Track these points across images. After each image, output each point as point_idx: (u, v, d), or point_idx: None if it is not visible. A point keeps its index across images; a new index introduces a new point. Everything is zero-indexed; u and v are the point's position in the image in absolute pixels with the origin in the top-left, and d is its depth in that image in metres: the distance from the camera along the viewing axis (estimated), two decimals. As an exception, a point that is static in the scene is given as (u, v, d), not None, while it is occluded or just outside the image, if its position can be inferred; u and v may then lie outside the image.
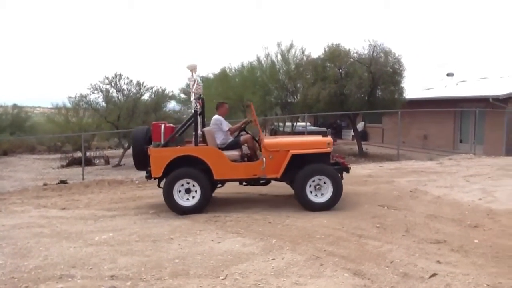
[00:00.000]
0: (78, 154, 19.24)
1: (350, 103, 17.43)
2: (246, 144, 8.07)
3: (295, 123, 20.43)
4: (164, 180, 7.48)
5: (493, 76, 24.13)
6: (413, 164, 13.27)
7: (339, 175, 7.56)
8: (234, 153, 7.76)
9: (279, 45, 20.03)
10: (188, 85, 8.46)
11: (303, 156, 7.48)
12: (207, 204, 7.49)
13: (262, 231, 6.10)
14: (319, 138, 8.40)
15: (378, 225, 6.29)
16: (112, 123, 19.05)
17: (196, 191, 7.35)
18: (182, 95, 29.01)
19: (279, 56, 20.07)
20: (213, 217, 6.88)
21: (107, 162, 20.06)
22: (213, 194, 8.17)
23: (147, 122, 15.14)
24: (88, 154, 19.31)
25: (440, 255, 5.07)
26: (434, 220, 6.62)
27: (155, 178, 7.53)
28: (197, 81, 7.87)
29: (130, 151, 14.15)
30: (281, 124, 21.44)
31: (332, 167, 7.59)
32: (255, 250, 5.33)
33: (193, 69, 7.76)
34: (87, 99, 19.33)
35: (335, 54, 18.06)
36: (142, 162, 7.66)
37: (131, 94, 19.74)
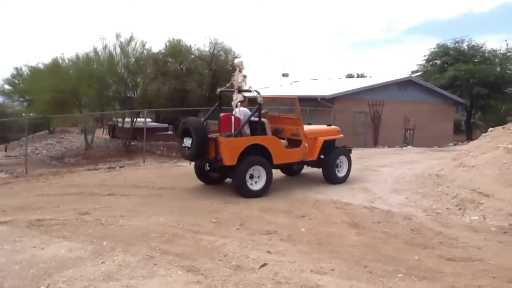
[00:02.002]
0: None
1: (192, 99, 17.48)
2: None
3: (135, 119, 19.74)
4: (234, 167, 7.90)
5: (321, 78, 26.46)
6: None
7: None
8: (284, 141, 8.77)
9: (118, 36, 19.08)
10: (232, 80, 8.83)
11: (327, 142, 9.33)
12: (269, 188, 8.28)
13: (92, 233, 5.69)
14: (333, 127, 10.09)
15: (214, 220, 6.36)
16: None
17: (259, 176, 8.19)
18: (7, 86, 26.01)
19: (118, 49, 19.14)
20: (37, 221, 6.20)
21: None
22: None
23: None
24: None
25: (270, 245, 5.30)
26: (267, 212, 6.94)
27: (224, 167, 7.91)
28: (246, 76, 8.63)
29: None
30: (120, 119, 20.53)
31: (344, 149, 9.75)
32: (83, 254, 4.94)
33: (240, 64, 8.67)
34: None
35: (176, 50, 17.94)
36: (202, 152, 7.98)
37: None
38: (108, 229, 5.92)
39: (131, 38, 19.25)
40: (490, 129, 10.07)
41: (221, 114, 8.45)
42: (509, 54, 28.92)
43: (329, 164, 9.33)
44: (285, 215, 6.79)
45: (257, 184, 8.16)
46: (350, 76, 50.36)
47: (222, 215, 6.64)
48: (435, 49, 30.90)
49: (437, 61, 30.86)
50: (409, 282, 4.26)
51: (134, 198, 7.89)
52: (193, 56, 18.32)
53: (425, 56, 31.60)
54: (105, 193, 8.25)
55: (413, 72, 31.82)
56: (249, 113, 8.55)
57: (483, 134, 10.21)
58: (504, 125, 9.64)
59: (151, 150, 17.69)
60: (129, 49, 19.28)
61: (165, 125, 24.89)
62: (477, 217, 6.64)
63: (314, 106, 19.42)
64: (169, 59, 18.24)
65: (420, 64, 32.07)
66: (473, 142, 10.63)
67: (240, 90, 8.58)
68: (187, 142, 8.22)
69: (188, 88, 17.30)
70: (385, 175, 10.21)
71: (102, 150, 18.76)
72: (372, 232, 5.93)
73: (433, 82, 26.97)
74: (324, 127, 10.24)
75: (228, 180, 8.87)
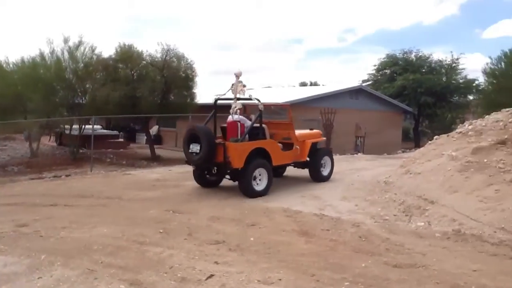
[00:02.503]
0: None
1: (143, 106, 17.08)
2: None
3: (83, 126, 19.08)
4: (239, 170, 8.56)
5: (275, 86, 26.59)
6: (202, 167, 13.63)
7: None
8: (280, 144, 9.60)
9: (66, 40, 18.36)
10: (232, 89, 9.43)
11: (313, 144, 10.42)
12: (270, 188, 9.07)
13: (30, 246, 5.38)
14: (316, 131, 11.25)
15: (161, 231, 6.17)
16: None
17: (261, 178, 8.92)
18: None
19: (66, 53, 18.45)
20: (-30, 235, 5.83)
21: None
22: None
23: None
24: None
25: (218, 256, 5.19)
26: (217, 221, 6.82)
27: (232, 170, 8.62)
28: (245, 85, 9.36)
29: None
30: (67, 126, 19.80)
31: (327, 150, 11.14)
32: (19, 269, 4.65)
33: (239, 75, 9.30)
34: None
35: (127, 55, 17.51)
36: (210, 157, 8.52)
37: None
38: (47, 241, 5.63)
39: (80, 43, 18.58)
40: (436, 137, 10.37)
41: (228, 121, 9.21)
42: (454, 64, 30.20)
43: (315, 164, 10.41)
44: (234, 224, 6.69)
45: (260, 185, 8.90)
46: (303, 84, 51.13)
47: (170, 225, 6.46)
48: (385, 59, 31.88)
49: (386, 71, 31.82)
50: (355, 290, 4.26)
51: (78, 208, 7.58)
52: (144, 62, 17.93)
53: (375, 65, 32.55)
54: (48, 204, 7.91)
55: (364, 81, 32.74)
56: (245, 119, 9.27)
57: (429, 142, 10.51)
58: (449, 133, 9.95)
59: (100, 158, 17.17)
60: (78, 54, 18.58)
61: (116, 132, 24.27)
62: (422, 223, 6.78)
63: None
64: (120, 65, 17.77)
65: (371, 74, 32.99)
66: (420, 150, 10.93)
67: (239, 98, 9.30)
68: (195, 148, 8.69)
69: (140, 95, 16.90)
70: (336, 183, 10.31)
71: (48, 158, 18.01)
72: (321, 240, 5.92)
73: (383, 91, 27.77)
74: (308, 131, 11.05)
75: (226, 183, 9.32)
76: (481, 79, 28.32)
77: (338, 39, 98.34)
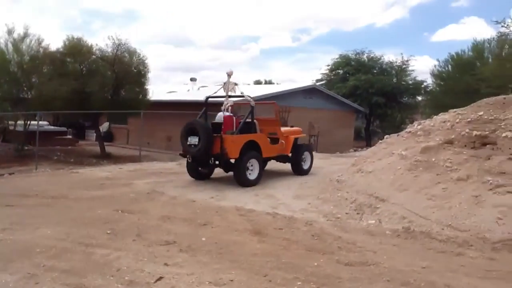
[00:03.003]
0: None
1: (93, 102, 16.52)
2: None
3: (29, 122, 18.23)
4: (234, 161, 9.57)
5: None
6: (154, 165, 13.36)
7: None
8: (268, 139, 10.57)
9: (10, 32, 17.48)
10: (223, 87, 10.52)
11: (295, 139, 11.35)
12: (261, 178, 10.02)
13: (-35, 250, 5.03)
14: (297, 128, 12.20)
15: (109, 231, 5.93)
16: None
17: (253, 168, 9.81)
18: None
19: (10, 45, 17.57)
20: None
21: None
22: None
23: None
24: None
25: (168, 257, 5.02)
26: (168, 221, 6.63)
27: (228, 160, 9.50)
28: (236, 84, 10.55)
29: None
30: (11, 122, 18.90)
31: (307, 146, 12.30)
32: (-50, 275, 4.32)
33: (231, 74, 10.38)
34: None
35: (76, 49, 16.87)
36: (208, 148, 9.27)
37: None
38: (-16, 244, 5.27)
39: (26, 34, 17.74)
40: (386, 136, 10.58)
41: (224, 116, 9.94)
42: (404, 66, 31.08)
43: (297, 158, 11.29)
44: (186, 223, 6.53)
45: (252, 175, 9.78)
46: (258, 82, 51.25)
47: (118, 226, 6.22)
48: (338, 59, 32.38)
49: (339, 71, 32.33)
50: (307, 290, 4.22)
51: (20, 208, 7.18)
52: (94, 56, 17.33)
53: (328, 65, 32.99)
54: (-13, 204, 7.43)
55: (317, 80, 33.08)
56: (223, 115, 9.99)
57: (380, 141, 10.71)
58: (399, 133, 10.17)
59: (47, 155, 16.46)
60: (23, 46, 17.76)
61: (64, 128, 23.41)
62: (373, 221, 6.87)
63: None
64: (68, 59, 17.10)
65: (324, 73, 33.41)
66: (371, 149, 11.13)
67: (230, 96, 10.37)
68: (193, 140, 9.44)
69: (89, 90, 16.32)
70: (289, 181, 10.33)
71: (-10, 155, 17.10)
72: (274, 239, 5.87)
73: (336, 91, 28.19)
74: (289, 128, 12.05)
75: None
76: (429, 80, 29.34)
77: (293, 39, 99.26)
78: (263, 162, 10.40)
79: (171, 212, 7.14)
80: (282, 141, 10.89)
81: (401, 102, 30.81)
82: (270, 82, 50.48)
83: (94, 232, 5.86)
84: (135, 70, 17.73)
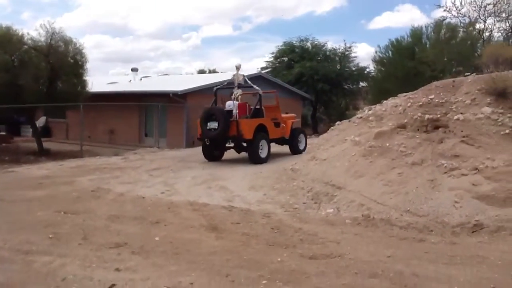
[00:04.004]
0: None
1: (27, 95, 15.38)
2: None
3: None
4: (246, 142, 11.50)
5: (173, 74, 25.76)
6: (98, 160, 12.69)
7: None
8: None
9: None
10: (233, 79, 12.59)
11: (292, 124, 13.34)
12: (269, 157, 11.85)
13: None
14: (292, 114, 14.49)
15: (51, 236, 5.40)
16: None
17: (262, 149, 11.62)
18: None
19: None
20: None
21: None
22: None
23: None
24: None
25: (120, 261, 4.59)
26: (116, 220, 6.18)
27: (243, 141, 11.42)
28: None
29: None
30: None
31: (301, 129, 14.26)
32: None
33: (239, 67, 12.73)
34: None
35: (5, 38, 15.60)
36: (226, 131, 11.11)
37: None
38: None
39: None
40: (337, 122, 10.53)
41: (238, 103, 11.83)
42: (347, 53, 31.48)
43: (294, 140, 13.27)
44: (136, 222, 6.10)
45: (262, 153, 11.58)
46: (202, 71, 50.37)
47: (61, 229, 5.69)
48: (282, 47, 32.30)
49: (284, 59, 32.28)
50: (274, 288, 3.96)
51: None
52: (26, 46, 16.13)
53: (273, 53, 32.86)
54: None
55: (262, 68, 32.88)
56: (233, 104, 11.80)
57: (331, 127, 10.64)
58: (350, 119, 10.12)
59: (-22, 154, 15.24)
60: None
61: (-5, 125, 21.89)
62: (332, 210, 6.74)
63: (166, 102, 18.69)
64: (-3, 49, 15.84)
65: (269, 61, 33.25)
66: (323, 136, 11.04)
67: (239, 86, 12.39)
68: (213, 125, 11.18)
69: (22, 83, 15.18)
70: (242, 171, 10.07)
71: None
72: (232, 234, 5.58)
73: (282, 78, 28.09)
74: (286, 114, 13.72)
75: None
76: (371, 67, 29.88)
77: (234, 27, 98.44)
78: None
79: (119, 211, 6.68)
80: (283, 125, 12.78)
81: (345, 89, 31.23)
82: (214, 71, 49.73)
83: (34, 237, 5.31)
84: (71, 61, 16.63)
